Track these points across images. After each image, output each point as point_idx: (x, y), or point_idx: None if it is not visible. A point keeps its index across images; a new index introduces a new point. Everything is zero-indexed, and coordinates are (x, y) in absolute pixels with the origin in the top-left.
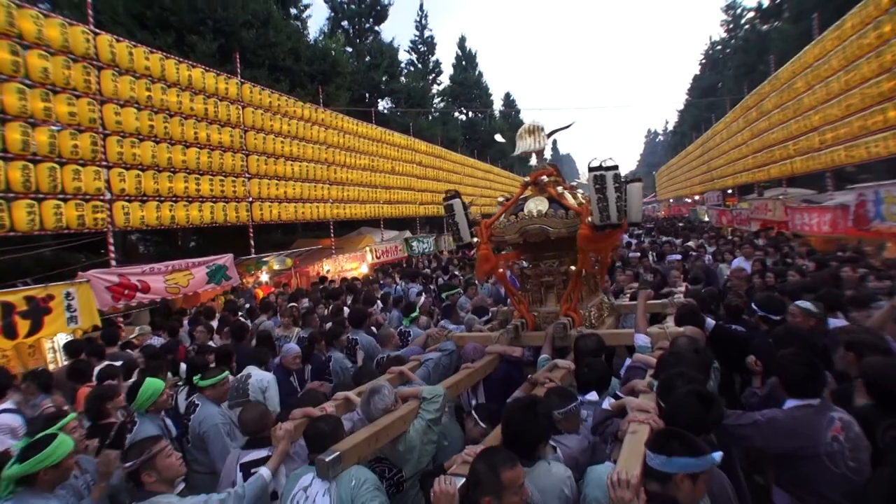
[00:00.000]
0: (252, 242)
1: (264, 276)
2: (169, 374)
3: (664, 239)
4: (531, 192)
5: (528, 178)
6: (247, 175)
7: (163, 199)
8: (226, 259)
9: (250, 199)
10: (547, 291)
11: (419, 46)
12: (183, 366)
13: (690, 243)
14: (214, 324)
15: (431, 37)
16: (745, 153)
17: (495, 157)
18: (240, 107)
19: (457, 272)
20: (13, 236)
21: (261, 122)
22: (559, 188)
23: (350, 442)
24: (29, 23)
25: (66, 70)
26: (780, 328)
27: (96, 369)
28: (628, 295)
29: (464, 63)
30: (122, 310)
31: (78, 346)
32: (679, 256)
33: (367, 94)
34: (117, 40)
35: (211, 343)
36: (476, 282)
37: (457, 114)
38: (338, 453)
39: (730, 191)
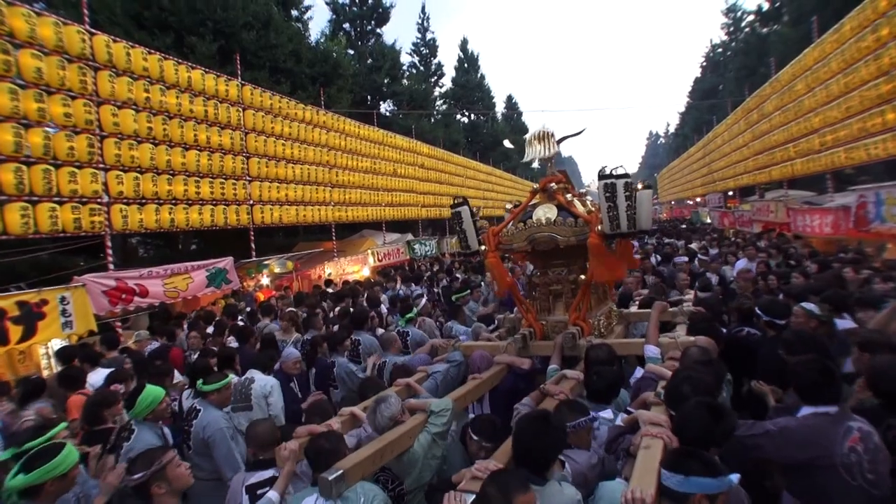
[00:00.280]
0: (253, 245)
1: (265, 280)
2: (179, 376)
3: (667, 241)
4: (540, 200)
5: (536, 185)
6: (247, 178)
7: (162, 201)
8: (226, 262)
9: (251, 202)
10: (555, 300)
11: (421, 49)
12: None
13: (693, 245)
14: (211, 328)
15: (433, 39)
16: (746, 155)
17: (498, 159)
18: (240, 109)
19: (458, 275)
20: (7, 240)
21: (261, 125)
22: (568, 195)
23: (354, 459)
24: (20, 21)
25: (61, 70)
26: (788, 332)
27: (91, 375)
28: (637, 302)
29: (466, 65)
30: (120, 314)
31: (71, 352)
32: (686, 258)
33: (368, 97)
34: (114, 41)
35: (213, 348)
36: (482, 283)
37: (459, 116)
38: (341, 471)
39: (731, 193)
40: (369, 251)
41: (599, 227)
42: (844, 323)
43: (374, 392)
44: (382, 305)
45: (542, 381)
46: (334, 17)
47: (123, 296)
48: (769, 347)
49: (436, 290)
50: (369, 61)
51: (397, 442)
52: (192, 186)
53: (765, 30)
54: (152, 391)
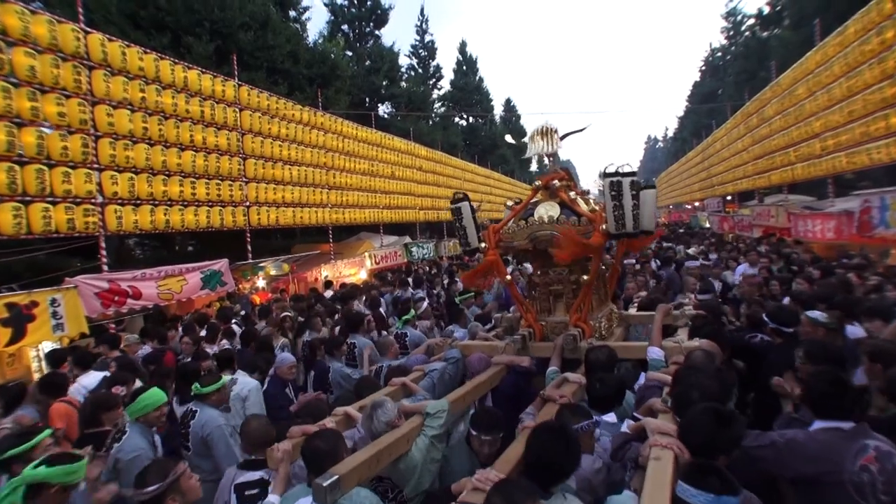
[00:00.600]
0: (249, 247)
1: (261, 282)
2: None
3: (665, 245)
4: (542, 197)
5: (538, 182)
6: (244, 179)
7: (157, 202)
8: (221, 264)
9: (247, 204)
10: (556, 300)
11: (420, 51)
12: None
13: (691, 250)
14: (204, 332)
15: (432, 41)
16: (745, 160)
17: (496, 162)
18: (237, 109)
19: (457, 279)
20: (1, 240)
21: (258, 126)
22: (571, 193)
23: (350, 464)
24: (13, 18)
25: (55, 69)
26: (809, 343)
27: (82, 378)
28: (636, 305)
29: (464, 68)
30: (113, 317)
31: (61, 355)
32: (697, 262)
33: (366, 99)
34: (109, 40)
35: (208, 349)
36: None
37: (457, 119)
38: (336, 477)
39: (729, 197)
40: (366, 254)
41: (604, 227)
42: (854, 330)
43: (370, 391)
44: (381, 308)
45: (540, 382)
46: (332, 18)
47: (116, 298)
48: (776, 355)
49: (435, 292)
50: (367, 63)
51: (394, 445)
52: (187, 187)
53: (765, 33)
54: (154, 394)
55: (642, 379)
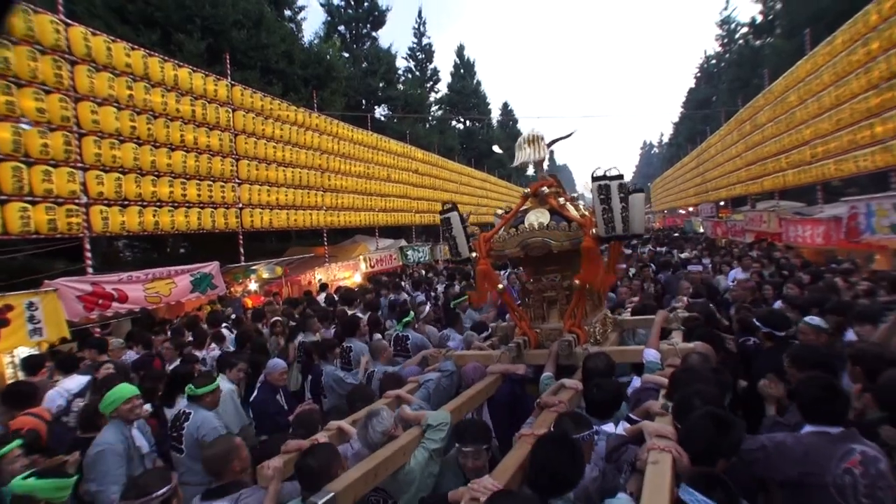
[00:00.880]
0: (242, 250)
1: (253, 285)
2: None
3: (664, 250)
4: (531, 205)
5: (528, 190)
6: (237, 180)
7: (146, 203)
8: (211, 267)
9: (240, 206)
10: (549, 307)
11: (417, 54)
12: None
13: (684, 254)
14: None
15: (430, 44)
16: (738, 165)
17: (493, 166)
18: (230, 109)
19: (455, 282)
20: None
21: (252, 126)
22: (560, 199)
23: (345, 480)
24: None
25: (32, 62)
26: (797, 347)
27: (65, 381)
28: (628, 309)
29: (462, 71)
30: (98, 321)
31: (36, 361)
32: (700, 268)
33: (363, 101)
34: (93, 33)
35: (197, 353)
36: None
37: (454, 122)
38: (331, 494)
39: (722, 202)
40: (361, 257)
41: (594, 231)
42: (851, 335)
43: (362, 401)
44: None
45: (535, 388)
46: (329, 18)
47: (100, 301)
48: (766, 359)
49: (433, 295)
50: (364, 65)
51: (391, 459)
52: (178, 188)
53: (758, 42)
54: (121, 388)
55: (636, 382)
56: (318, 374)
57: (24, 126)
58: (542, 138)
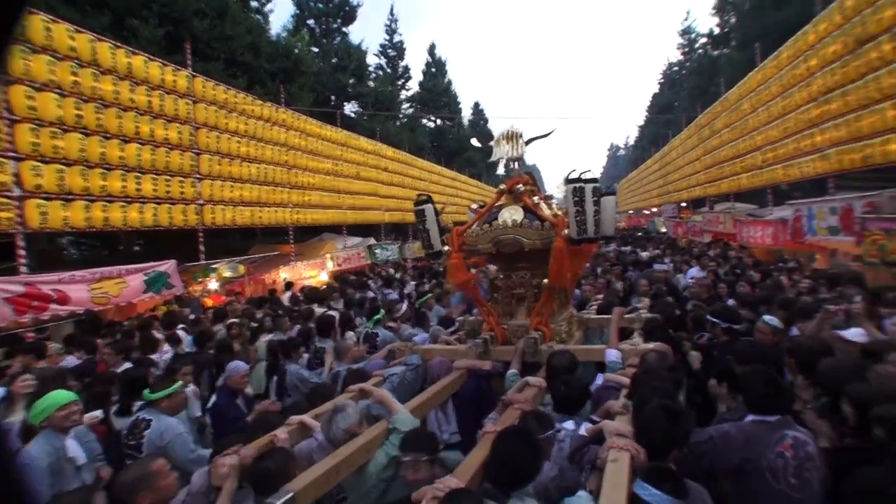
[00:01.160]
0: (202, 248)
1: (213, 284)
2: None
3: (629, 249)
4: (506, 201)
5: (503, 186)
6: (197, 175)
7: (94, 198)
8: (168, 266)
9: (201, 202)
10: (518, 304)
11: (388, 51)
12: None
13: (644, 254)
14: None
15: (401, 42)
16: (697, 169)
17: (463, 165)
18: (190, 101)
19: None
20: None
21: (214, 120)
22: (535, 198)
23: (305, 479)
24: None
25: None
26: (741, 343)
27: None
28: (594, 307)
29: (433, 70)
30: (31, 324)
31: None
32: (665, 267)
33: (332, 97)
34: (29, 12)
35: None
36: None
37: (425, 121)
38: (290, 494)
39: (684, 203)
40: (328, 255)
41: (566, 232)
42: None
43: (323, 399)
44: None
45: (500, 384)
46: (298, 12)
47: (35, 303)
48: (722, 353)
49: (406, 292)
50: (334, 60)
51: (353, 458)
52: (131, 183)
53: (716, 52)
54: (54, 394)
55: (599, 379)
56: (284, 373)
57: None
58: (521, 135)
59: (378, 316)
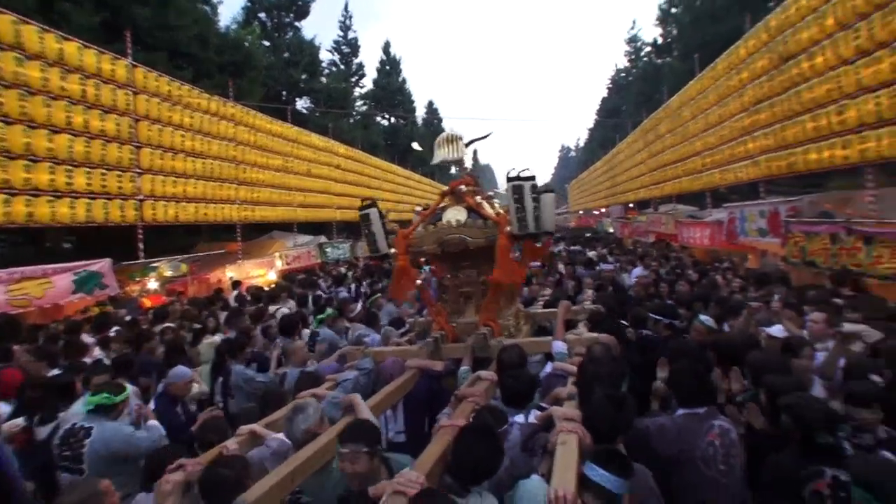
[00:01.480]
0: (141, 245)
1: (153, 284)
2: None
3: (573, 248)
4: (449, 202)
5: (446, 188)
6: (137, 170)
7: (15, 192)
8: (101, 265)
9: (140, 197)
10: (466, 301)
11: (342, 47)
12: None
13: (592, 253)
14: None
15: (355, 39)
16: (643, 171)
17: (416, 163)
18: (130, 92)
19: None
20: None
21: (157, 112)
22: (477, 198)
23: (261, 488)
24: None
25: None
26: (673, 342)
27: None
28: (541, 303)
29: (388, 68)
30: None
31: None
32: (611, 266)
33: (283, 92)
34: None
35: (87, 360)
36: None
37: (379, 119)
38: None
39: (631, 205)
40: (277, 254)
41: (509, 228)
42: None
43: (275, 407)
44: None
45: (451, 382)
46: (249, 5)
47: None
48: (663, 348)
49: (363, 291)
50: (286, 55)
51: (309, 462)
52: (61, 176)
53: (659, 60)
54: None
55: (548, 367)
56: (229, 374)
57: None
58: (461, 138)
59: (323, 315)
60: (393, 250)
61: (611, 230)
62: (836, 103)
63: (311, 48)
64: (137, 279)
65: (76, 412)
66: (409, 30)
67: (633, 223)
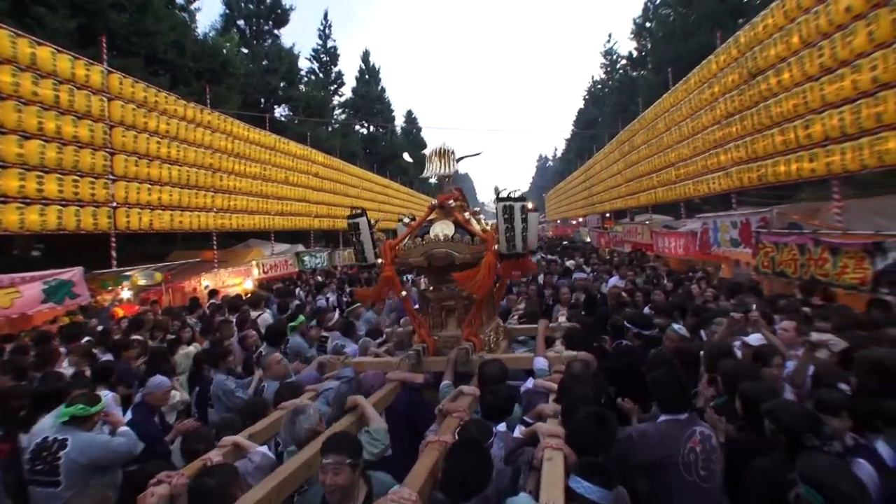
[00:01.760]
0: (114, 254)
1: (126, 293)
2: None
3: (549, 258)
4: (437, 216)
5: (435, 202)
6: (111, 176)
7: None
8: (72, 273)
9: (114, 204)
10: (448, 315)
11: (321, 55)
12: None
13: (569, 263)
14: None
15: (335, 47)
16: (619, 182)
17: (395, 172)
18: (104, 98)
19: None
20: None
21: (132, 118)
22: (465, 214)
23: (248, 501)
24: None
25: None
26: (654, 352)
27: None
28: (515, 316)
29: (367, 77)
30: None
31: None
32: (584, 275)
33: (262, 100)
34: None
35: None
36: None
37: (358, 127)
38: None
39: (608, 214)
40: (254, 262)
41: (496, 247)
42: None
43: (261, 415)
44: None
45: (432, 395)
46: (227, 12)
47: None
48: (639, 357)
49: (345, 299)
50: (264, 63)
51: (294, 475)
52: (31, 182)
53: (634, 73)
54: None
55: (529, 383)
56: (208, 384)
57: None
58: (453, 153)
59: (295, 323)
60: (380, 260)
61: (588, 240)
62: (802, 118)
63: (290, 56)
64: (110, 288)
65: (47, 425)
66: (388, 37)
67: (610, 233)
